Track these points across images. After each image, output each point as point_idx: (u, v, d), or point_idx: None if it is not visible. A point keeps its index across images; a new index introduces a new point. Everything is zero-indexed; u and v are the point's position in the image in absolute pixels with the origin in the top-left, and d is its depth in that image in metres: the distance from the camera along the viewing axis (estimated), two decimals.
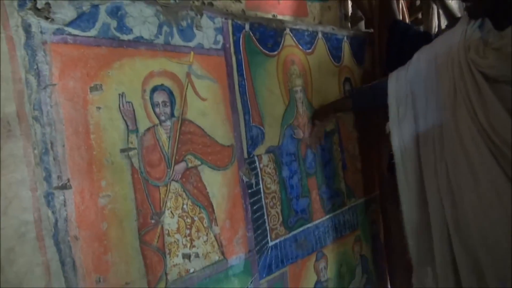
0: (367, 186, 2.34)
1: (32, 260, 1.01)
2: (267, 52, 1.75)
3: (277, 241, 1.73)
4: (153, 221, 1.28)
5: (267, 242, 1.68)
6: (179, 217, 1.36)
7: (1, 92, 0.99)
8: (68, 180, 1.09)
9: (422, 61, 1.66)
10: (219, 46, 1.54)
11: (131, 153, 1.24)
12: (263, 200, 1.67)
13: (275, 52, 1.79)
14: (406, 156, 1.72)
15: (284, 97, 1.83)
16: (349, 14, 2.55)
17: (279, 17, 1.96)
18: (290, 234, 1.80)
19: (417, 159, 1.69)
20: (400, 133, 1.72)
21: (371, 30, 2.46)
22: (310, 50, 1.98)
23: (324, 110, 1.98)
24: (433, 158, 1.62)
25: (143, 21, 1.29)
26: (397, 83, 1.72)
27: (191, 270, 1.38)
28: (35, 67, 1.05)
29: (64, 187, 1.08)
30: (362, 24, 2.70)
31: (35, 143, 1.03)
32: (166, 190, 1.33)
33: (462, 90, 1.49)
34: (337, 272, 2.08)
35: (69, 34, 1.12)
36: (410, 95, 1.68)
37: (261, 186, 1.67)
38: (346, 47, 2.22)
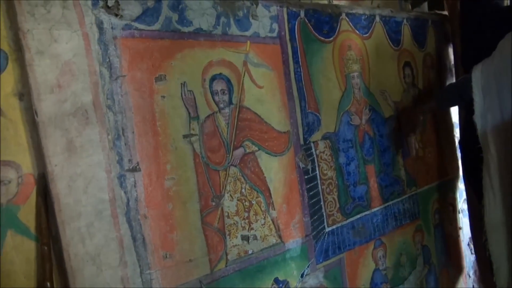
0: (430, 174, 2.26)
1: (108, 235, 1.13)
2: (322, 38, 1.75)
3: (334, 227, 1.74)
4: (213, 203, 1.36)
5: (324, 227, 1.70)
6: (238, 200, 1.42)
7: (79, 84, 1.10)
8: (138, 163, 1.19)
9: (508, 52, 1.56)
10: (275, 34, 1.57)
11: (193, 139, 1.32)
12: (319, 186, 1.69)
13: (331, 38, 1.78)
14: (491, 147, 1.65)
15: (340, 83, 1.82)
16: None
17: (335, 2, 1.95)
18: (348, 221, 1.80)
19: (502, 151, 1.63)
20: (485, 124, 1.66)
21: (435, 12, 2.35)
22: (367, 35, 1.94)
23: (409, 116, 1.97)
24: None
25: (202, 13, 1.36)
26: (482, 75, 1.65)
27: (250, 252, 1.44)
28: (108, 60, 1.15)
29: (134, 169, 1.18)
30: (425, 6, 2.58)
31: (109, 129, 1.14)
32: (226, 174, 1.39)
33: None
34: (397, 261, 2.04)
35: (136, 28, 1.22)
36: (495, 87, 1.61)
37: (317, 172, 1.69)
38: (406, 30, 2.14)
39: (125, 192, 1.16)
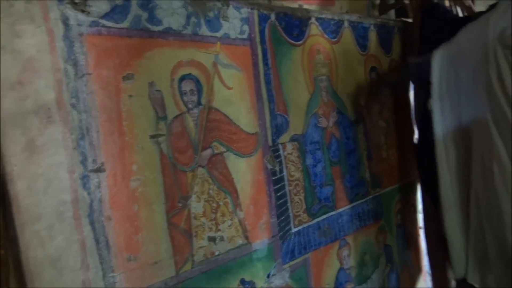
0: (393, 176, 2.34)
1: (70, 237, 1.10)
2: (292, 41, 1.77)
3: (300, 227, 1.77)
4: (180, 205, 1.35)
5: (290, 228, 1.72)
6: (205, 201, 1.42)
7: (42, 81, 1.07)
8: (102, 163, 1.16)
9: (467, 41, 1.62)
10: (245, 36, 1.57)
11: (160, 139, 1.30)
12: (286, 187, 1.71)
13: (301, 42, 1.81)
14: (448, 136, 1.72)
15: (309, 86, 1.85)
16: (378, 1, 2.52)
17: (305, 6, 1.98)
18: (314, 221, 1.83)
19: (460, 139, 1.69)
20: (442, 112, 1.71)
21: (401, 19, 2.43)
22: (335, 39, 1.99)
23: (372, 87, 2.01)
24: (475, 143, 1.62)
25: (172, 13, 1.35)
26: (441, 60, 1.70)
27: (216, 253, 1.44)
28: (73, 57, 1.12)
29: (98, 170, 1.15)
30: (392, 13, 2.67)
31: (73, 129, 1.11)
32: (193, 175, 1.39)
33: None
34: (361, 261, 2.10)
35: (104, 26, 1.19)
36: (453, 73, 1.66)
37: (285, 173, 1.71)
38: (373, 35, 2.21)
39: (88, 193, 1.13)
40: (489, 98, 1.52)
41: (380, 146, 2.25)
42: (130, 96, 1.24)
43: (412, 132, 2.50)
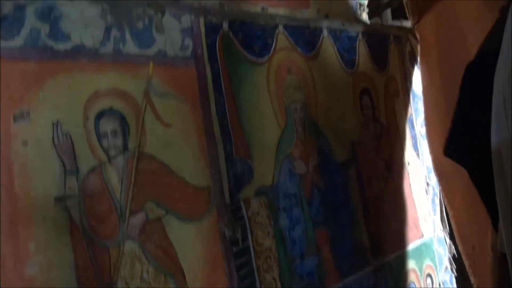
0: (400, 237, 2.39)
1: None
2: (253, 58, 1.84)
3: None
4: None
5: None
6: None
7: None
8: None
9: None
10: (188, 53, 1.62)
11: (69, 202, 1.29)
12: (253, 261, 1.72)
13: (265, 58, 1.88)
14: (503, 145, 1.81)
15: (278, 118, 1.90)
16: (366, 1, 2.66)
17: (270, 10, 2.06)
18: None
19: None
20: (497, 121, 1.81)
21: (396, 25, 2.57)
22: (312, 54, 2.07)
23: None
24: None
25: (84, 24, 1.37)
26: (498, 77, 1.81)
27: None
28: None
29: None
30: (387, 14, 2.81)
31: None
32: (119, 253, 1.37)
33: None
34: None
35: None
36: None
37: (250, 242, 1.72)
38: (361, 47, 2.32)
39: None
40: None
41: (380, 196, 2.31)
42: (25, 142, 1.23)
43: (423, 176, 2.60)
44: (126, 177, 1.41)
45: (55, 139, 1.28)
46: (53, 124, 1.28)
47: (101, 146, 1.38)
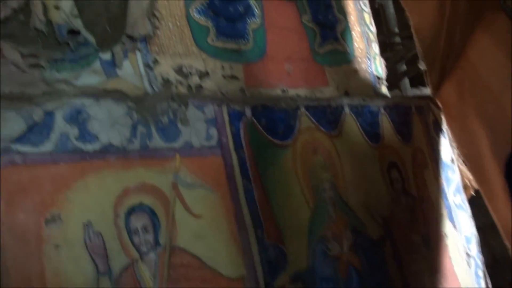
0: None
1: None
2: (278, 141, 1.85)
3: None
4: None
5: None
6: None
7: None
8: None
9: None
10: (214, 142, 1.64)
11: None
12: None
13: (289, 140, 1.89)
14: None
15: (307, 199, 1.89)
16: (384, 73, 2.69)
17: (290, 91, 2.09)
18: None
19: None
20: None
21: (417, 96, 2.59)
22: (335, 131, 2.08)
23: None
24: None
25: (111, 124, 1.41)
26: None
27: None
28: None
29: None
30: (405, 83, 2.85)
31: None
32: None
33: None
34: None
35: (18, 152, 1.23)
36: None
37: None
38: (384, 121, 2.32)
39: None
40: None
41: (420, 272, 2.23)
42: (57, 246, 1.23)
43: (460, 245, 2.52)
44: (158, 273, 1.40)
45: (87, 240, 1.29)
46: (84, 225, 1.29)
47: (133, 243, 1.38)
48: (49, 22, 1.45)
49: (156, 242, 1.42)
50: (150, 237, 1.41)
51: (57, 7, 1.48)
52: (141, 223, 1.40)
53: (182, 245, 1.47)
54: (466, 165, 2.56)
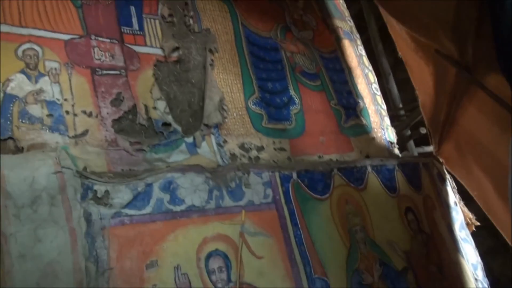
0: None
1: None
2: (318, 196, 1.76)
3: None
4: None
5: None
6: None
7: (61, 285, 1.02)
8: None
9: None
10: (270, 199, 1.57)
11: None
12: None
13: (327, 195, 1.80)
14: None
15: (344, 240, 1.76)
16: (395, 138, 2.57)
17: (325, 157, 2.02)
18: None
19: None
20: None
21: (422, 155, 2.45)
22: (362, 186, 1.97)
23: None
24: None
25: (194, 190, 1.38)
26: None
27: None
28: (94, 253, 1.11)
29: None
30: (411, 144, 2.71)
31: None
32: None
33: None
34: None
35: (126, 215, 1.21)
36: None
37: None
38: (399, 176, 2.19)
39: None
40: None
41: None
42: (154, 285, 1.18)
43: (469, 271, 2.27)
44: None
45: (177, 280, 1.23)
46: (174, 268, 1.24)
47: (211, 280, 1.31)
48: (149, 119, 1.47)
49: (229, 279, 1.34)
50: (224, 275, 1.33)
51: (154, 108, 1.51)
52: (217, 264, 1.33)
53: (249, 281, 1.38)
54: (477, 203, 2.34)
